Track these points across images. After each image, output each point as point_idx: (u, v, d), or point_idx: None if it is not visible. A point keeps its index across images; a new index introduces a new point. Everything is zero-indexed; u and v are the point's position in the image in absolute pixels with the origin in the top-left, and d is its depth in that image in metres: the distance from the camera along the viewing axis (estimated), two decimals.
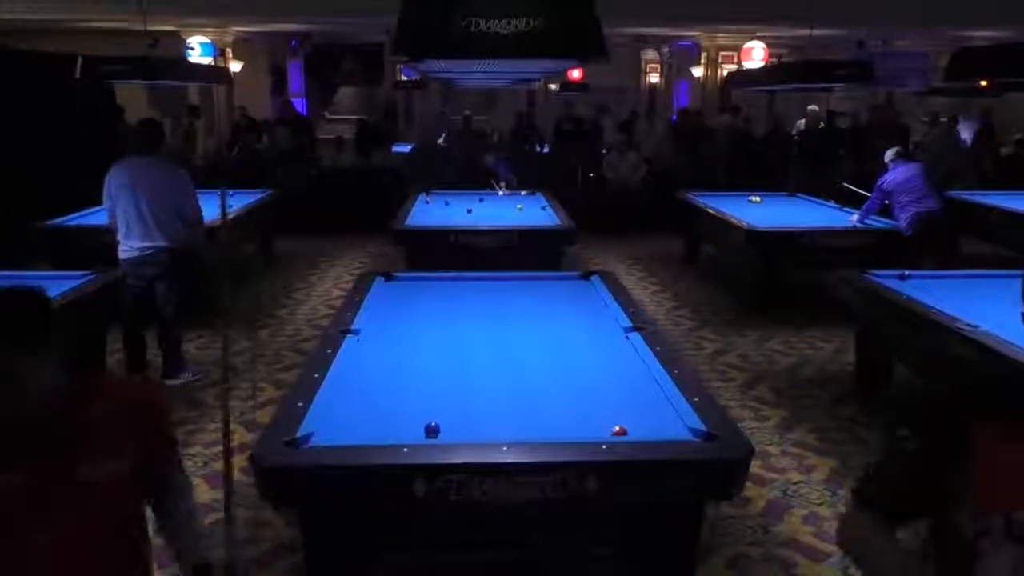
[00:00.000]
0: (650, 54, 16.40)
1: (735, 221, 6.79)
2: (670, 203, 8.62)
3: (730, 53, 11.74)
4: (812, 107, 11.04)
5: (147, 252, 4.96)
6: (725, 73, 11.70)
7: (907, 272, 4.74)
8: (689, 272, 8.28)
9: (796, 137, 11.05)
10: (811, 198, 8.26)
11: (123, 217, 4.97)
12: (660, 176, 10.34)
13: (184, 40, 11.17)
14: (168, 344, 5.20)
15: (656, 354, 3.15)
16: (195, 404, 4.86)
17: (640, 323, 3.59)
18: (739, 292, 7.09)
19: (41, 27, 10.82)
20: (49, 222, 6.36)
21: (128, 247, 5.00)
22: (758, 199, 8.12)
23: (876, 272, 4.75)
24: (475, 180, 8.91)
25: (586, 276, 4.62)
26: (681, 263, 8.59)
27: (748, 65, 11.61)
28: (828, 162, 9.93)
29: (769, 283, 6.63)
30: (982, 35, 11.07)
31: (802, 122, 11.16)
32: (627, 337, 3.44)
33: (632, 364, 3.14)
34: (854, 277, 4.77)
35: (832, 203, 7.81)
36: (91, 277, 4.68)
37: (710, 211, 7.47)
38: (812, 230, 6.58)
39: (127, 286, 4.96)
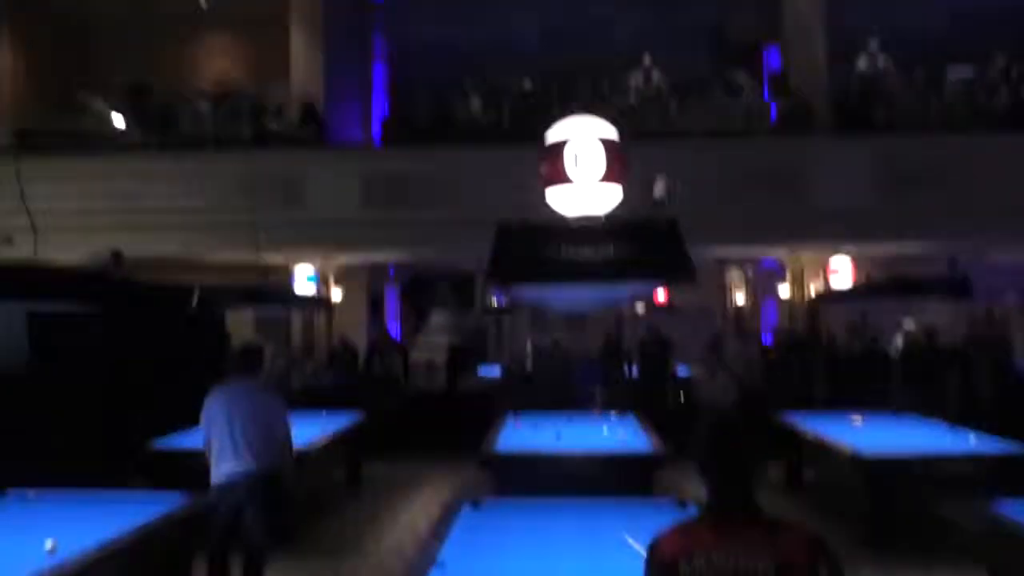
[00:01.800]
0: (734, 274, 16.62)
1: (839, 446, 6.41)
2: (765, 426, 8.29)
3: (815, 270, 11.78)
4: (908, 325, 10.77)
5: (236, 476, 4.93)
6: (812, 291, 11.67)
7: None
8: (791, 499, 7.76)
9: (895, 354, 10.70)
10: (919, 418, 7.80)
11: (217, 442, 5.01)
12: (752, 398, 10.06)
13: (291, 271, 12.01)
14: (254, 573, 5.07)
15: None
16: None
17: None
18: (850, 524, 6.55)
19: (162, 263, 11.86)
20: (155, 443, 6.56)
21: (218, 473, 5.00)
22: (860, 419, 7.73)
23: (1008, 502, 4.31)
24: (564, 403, 8.88)
25: (682, 504, 4.37)
26: (784, 490, 8.09)
27: (834, 281, 11.58)
28: (932, 380, 9.50)
29: (882, 514, 6.11)
30: None
31: (899, 338, 10.84)
32: None
33: None
34: (981, 507, 4.35)
35: (943, 423, 7.35)
36: (185, 499, 4.73)
37: (810, 434, 7.11)
38: (926, 454, 6.11)
39: (216, 511, 4.94)
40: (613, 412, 8.25)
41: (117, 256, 9.61)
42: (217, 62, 15.04)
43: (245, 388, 5.14)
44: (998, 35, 12.44)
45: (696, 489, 7.59)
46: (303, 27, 12.91)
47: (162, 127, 12.36)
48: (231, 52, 15.05)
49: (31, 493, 4.77)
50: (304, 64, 12.90)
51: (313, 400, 9.21)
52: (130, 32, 14.09)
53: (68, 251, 11.06)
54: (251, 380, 5.21)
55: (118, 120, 12.55)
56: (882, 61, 11.70)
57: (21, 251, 10.47)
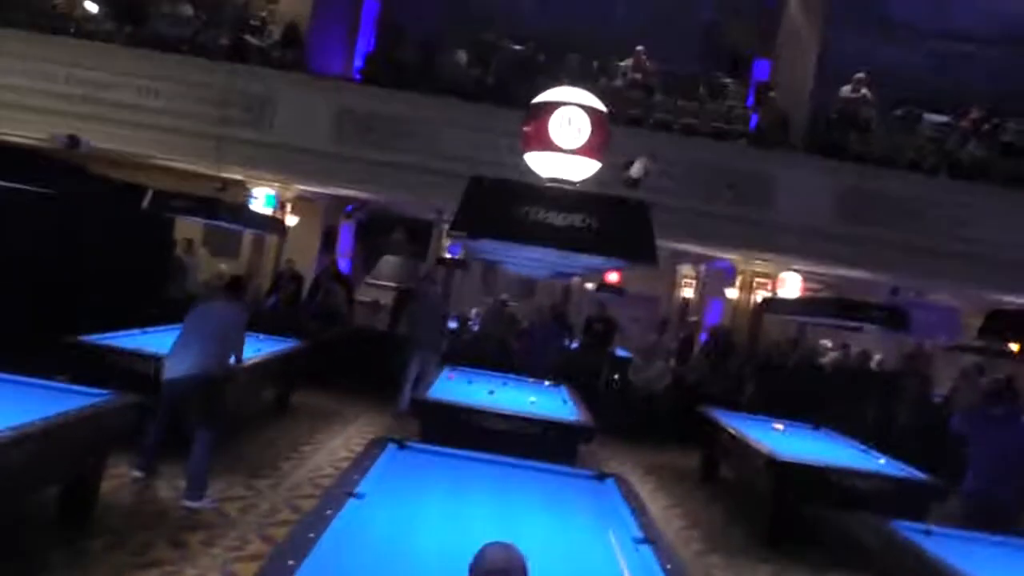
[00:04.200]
0: (686, 269, 16.91)
1: (757, 446, 6.65)
2: (692, 416, 8.53)
3: (764, 280, 12.07)
4: (845, 345, 11.11)
5: (191, 374, 5.37)
6: (759, 298, 11.95)
7: (931, 528, 4.55)
8: (703, 491, 8.03)
9: (827, 370, 11.07)
10: (836, 434, 8.11)
11: (182, 340, 5.53)
12: (685, 387, 10.32)
13: (249, 189, 11.80)
14: (194, 464, 5.32)
15: (666, 571, 2.99)
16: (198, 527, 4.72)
17: (652, 536, 3.44)
18: (754, 521, 6.82)
19: (124, 159, 11.54)
20: (84, 337, 6.44)
21: (169, 368, 5.45)
22: (781, 427, 8.01)
23: (901, 522, 4.56)
24: (502, 365, 8.99)
25: (601, 477, 4.49)
26: (697, 480, 8.36)
27: (782, 293, 11.89)
28: (857, 401, 9.87)
29: (786, 516, 6.37)
30: (1013, 300, 11.30)
31: (835, 355, 11.18)
32: (636, 549, 3.29)
33: None
34: (880, 524, 4.58)
35: (857, 442, 7.65)
36: (110, 396, 4.70)
37: (731, 432, 7.35)
38: (838, 467, 6.37)
39: (162, 398, 5.42)
40: (548, 381, 8.38)
41: (73, 140, 9.31)
42: None
43: (219, 305, 5.81)
44: (978, 89, 12.83)
45: (617, 468, 7.78)
46: None
47: (137, 21, 11.92)
48: None
49: None
50: None
51: (251, 322, 9.13)
52: None
53: (23, 130, 10.69)
54: (228, 301, 5.86)
55: (89, 4, 12.09)
56: (864, 91, 11.93)
57: None
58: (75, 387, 4.81)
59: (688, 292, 17.19)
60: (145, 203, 8.17)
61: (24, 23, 11.32)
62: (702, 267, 16.02)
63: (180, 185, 10.18)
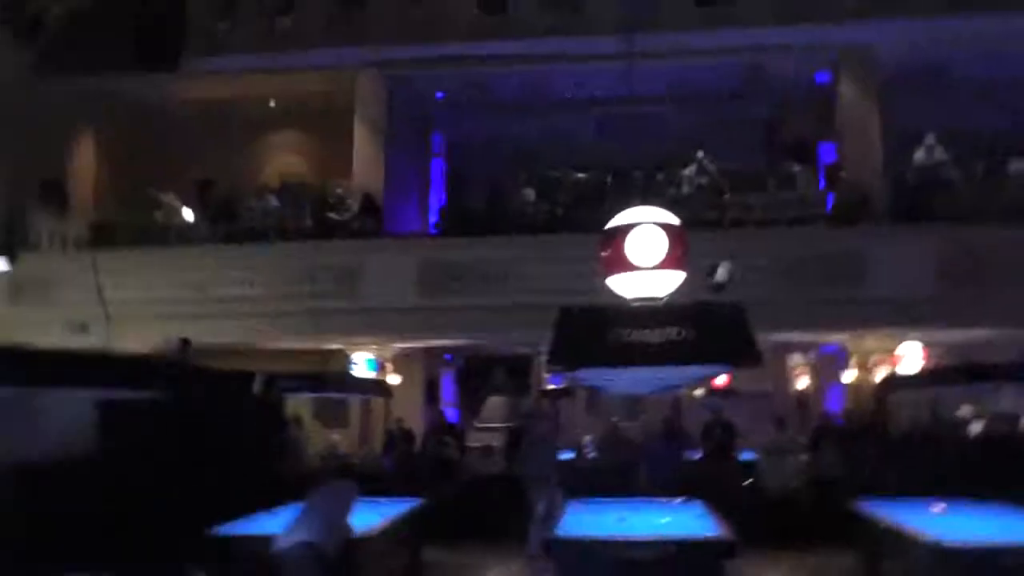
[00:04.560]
0: (796, 358, 16.28)
1: (919, 534, 6.07)
2: (837, 513, 7.96)
3: (883, 356, 11.49)
4: (964, 411, 10.41)
5: (301, 540, 5.48)
6: (880, 376, 11.35)
7: None
8: None
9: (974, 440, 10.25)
10: (1004, 505, 7.35)
11: (296, 518, 5.72)
12: (822, 483, 9.71)
13: (349, 356, 12.19)
14: None
15: None
16: None
17: None
18: None
19: (229, 350, 12.19)
20: (213, 530, 6.58)
21: (283, 538, 5.58)
22: (941, 507, 7.34)
23: None
24: (627, 488, 8.72)
25: None
26: None
27: (902, 366, 11.27)
28: (1013, 467, 9.04)
29: None
30: None
31: (978, 425, 10.39)
32: None
33: None
34: None
35: None
36: None
37: (887, 523, 6.79)
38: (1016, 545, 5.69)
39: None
40: (678, 498, 8.03)
41: (185, 343, 9.91)
42: (283, 157, 15.74)
43: (332, 485, 6.19)
44: None
45: None
46: (366, 124, 13.48)
47: (228, 219, 12.89)
48: (297, 148, 15.76)
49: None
50: (365, 158, 13.42)
51: (371, 486, 9.19)
52: (202, 131, 14.89)
53: (138, 339, 11.45)
54: (339, 481, 6.39)
55: (187, 214, 13.15)
56: (938, 153, 11.65)
57: (95, 339, 10.89)
58: None
59: (803, 382, 16.49)
60: (256, 387, 8.51)
61: (133, 241, 12.39)
62: (811, 354, 15.42)
63: (286, 364, 10.62)
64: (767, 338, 10.71)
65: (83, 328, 10.49)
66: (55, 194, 13.00)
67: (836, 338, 11.86)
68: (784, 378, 16.85)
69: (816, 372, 15.56)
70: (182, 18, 12.87)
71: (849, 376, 11.96)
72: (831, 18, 12.43)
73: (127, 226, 12.89)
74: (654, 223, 3.87)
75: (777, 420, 11.62)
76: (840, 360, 12.73)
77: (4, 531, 4.24)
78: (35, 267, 11.78)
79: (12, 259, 10.88)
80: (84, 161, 14.26)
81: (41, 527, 4.42)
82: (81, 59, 11.85)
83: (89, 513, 6.14)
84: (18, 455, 4.53)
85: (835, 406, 13.30)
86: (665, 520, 6.83)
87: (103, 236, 12.54)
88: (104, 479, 6.67)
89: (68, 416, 6.74)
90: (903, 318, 10.46)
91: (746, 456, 11.49)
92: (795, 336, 11.98)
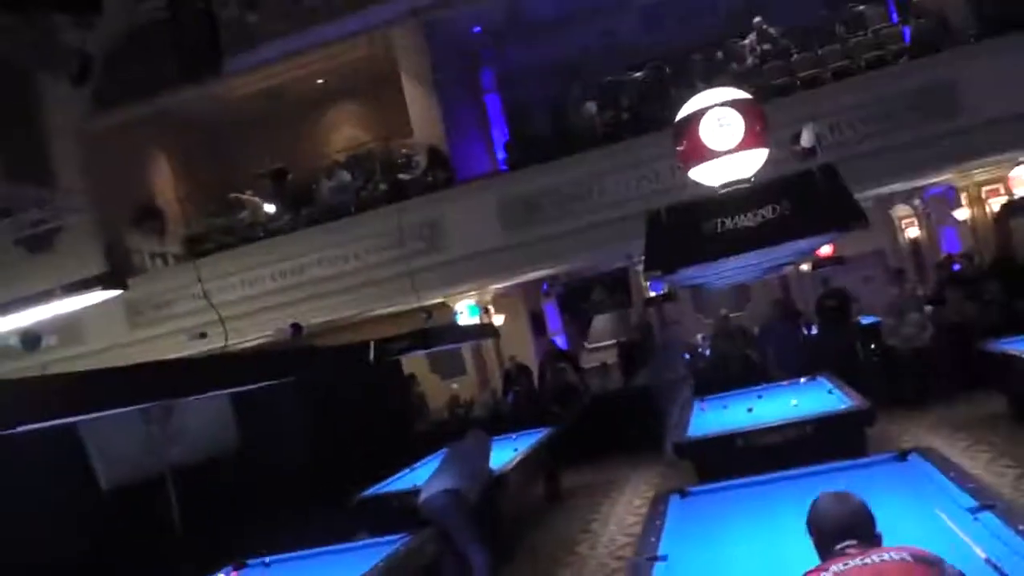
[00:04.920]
0: (901, 209, 15.57)
1: None
2: (974, 359, 7.66)
3: (995, 187, 10.80)
4: None
5: (444, 488, 5.67)
6: (996, 207, 10.70)
7: None
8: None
9: None
10: None
11: (435, 471, 5.94)
12: (952, 330, 9.34)
13: (452, 307, 12.40)
14: None
15: (1022, 534, 2.65)
16: None
17: (986, 500, 3.07)
18: None
19: (338, 325, 12.61)
20: (364, 493, 6.93)
21: (427, 489, 5.78)
22: None
23: None
24: (746, 378, 8.63)
25: (902, 456, 4.11)
26: (1013, 421, 7.43)
27: (1020, 191, 10.58)
28: None
29: None
30: None
31: None
32: (975, 519, 2.94)
33: (994, 549, 2.64)
34: None
35: None
36: (406, 538, 4.97)
37: None
38: None
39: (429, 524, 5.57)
40: (803, 378, 7.90)
41: (297, 328, 10.30)
42: (344, 130, 15.92)
43: (462, 442, 6.34)
44: None
45: (916, 439, 7.13)
46: (414, 79, 13.38)
47: (306, 203, 13.19)
48: (355, 118, 15.89)
49: (267, 559, 5.14)
50: (421, 112, 13.36)
51: (499, 425, 9.43)
52: (260, 124, 15.18)
53: (252, 333, 11.98)
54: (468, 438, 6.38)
55: (268, 207, 13.52)
56: None
57: (214, 343, 11.44)
58: (373, 540, 5.15)
59: (912, 231, 15.79)
60: (370, 356, 8.77)
61: (226, 245, 12.89)
62: (916, 201, 14.70)
63: (394, 328, 10.90)
64: (867, 194, 10.27)
65: (202, 335, 11.02)
66: (149, 217, 13.58)
67: (941, 178, 11.22)
68: (893, 231, 16.18)
69: (926, 218, 14.87)
70: (213, 21, 12.97)
71: (963, 214, 11.33)
72: None
73: (216, 231, 13.39)
74: (724, 103, 3.70)
75: (894, 273, 11.19)
76: (950, 200, 12.08)
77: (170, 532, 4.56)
78: (145, 289, 12.42)
79: (123, 286, 11.49)
80: (163, 180, 14.80)
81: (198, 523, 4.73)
82: (132, 86, 12.20)
83: (246, 501, 6.56)
84: (172, 459, 4.83)
85: (952, 248, 12.69)
86: (795, 402, 6.73)
87: (197, 246, 13.08)
88: (250, 468, 7.10)
89: (211, 417, 7.16)
90: (1011, 139, 9.74)
91: (867, 320, 11.16)
92: (897, 185, 11.39)
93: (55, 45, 10.82)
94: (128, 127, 13.41)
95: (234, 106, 14.79)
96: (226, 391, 5.30)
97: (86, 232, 12.86)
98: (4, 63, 11.35)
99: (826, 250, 12.69)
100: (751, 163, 3.75)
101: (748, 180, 3.66)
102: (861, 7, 12.21)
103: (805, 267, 14.76)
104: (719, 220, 3.15)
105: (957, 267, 10.78)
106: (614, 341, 14.81)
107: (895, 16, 12.08)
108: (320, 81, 14.94)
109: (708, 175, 3.80)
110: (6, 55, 10.94)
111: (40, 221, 12.40)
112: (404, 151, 13.26)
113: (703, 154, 3.67)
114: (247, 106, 14.85)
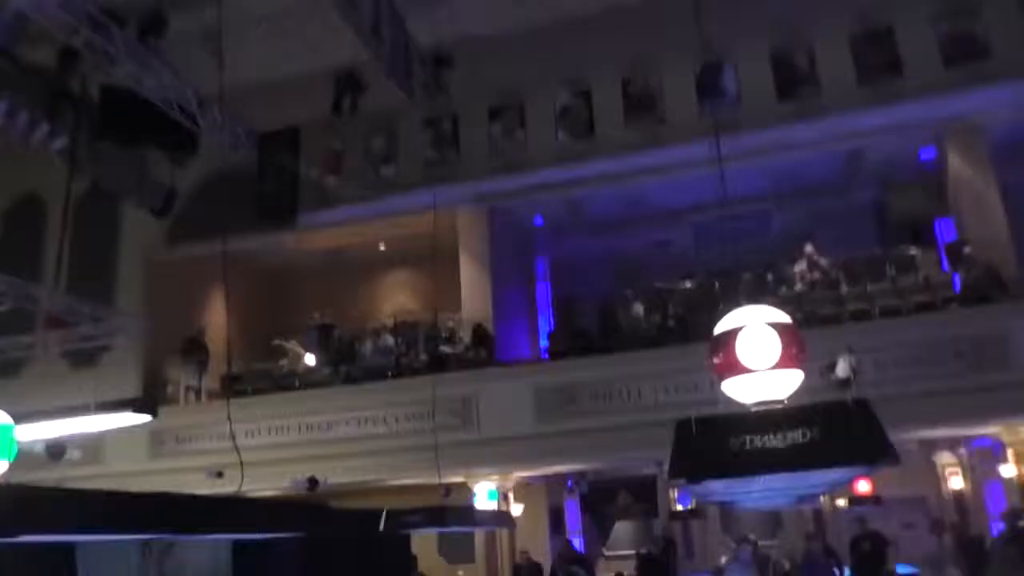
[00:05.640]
0: (945, 456, 15.04)
1: None
2: None
3: None
4: None
5: None
6: None
7: None
8: None
9: None
10: None
11: None
12: None
13: (471, 488, 12.10)
14: None
15: None
16: None
17: None
18: None
19: (351, 488, 12.34)
20: None
21: None
22: None
23: None
24: None
25: None
26: None
27: None
28: None
29: None
30: None
31: None
32: None
33: None
34: None
35: None
36: None
37: None
38: None
39: None
40: None
41: (313, 482, 10.15)
42: (396, 296, 16.40)
43: None
44: None
45: None
46: (471, 258, 13.90)
47: (348, 361, 13.38)
48: (408, 286, 16.41)
49: None
50: (473, 289, 13.75)
51: None
52: (319, 278, 15.77)
53: (268, 482, 11.79)
54: None
55: (309, 358, 13.73)
56: None
57: (229, 485, 11.28)
58: None
59: (956, 481, 15.15)
60: (381, 524, 8.52)
61: (261, 389, 13.01)
62: (962, 451, 14.23)
63: (409, 500, 10.63)
64: (907, 436, 10.02)
65: (219, 475, 10.90)
66: (194, 350, 13.89)
67: (988, 430, 10.92)
68: (935, 479, 15.56)
69: (971, 470, 14.34)
70: (296, 177, 13.86)
71: (1009, 471, 10.90)
72: (927, 93, 11.85)
73: (254, 374, 13.57)
74: (763, 322, 3.76)
75: (933, 524, 10.68)
76: (996, 453, 11.67)
77: None
78: (172, 420, 12.48)
79: (154, 413, 11.56)
80: (215, 316, 15.25)
81: None
82: (207, 223, 12.91)
83: None
84: None
85: (997, 506, 12.10)
86: None
87: (233, 386, 13.22)
88: None
89: (209, 561, 6.93)
90: None
91: (904, 571, 10.53)
92: (939, 431, 11.11)
93: (146, 177, 11.69)
94: (194, 262, 14.02)
95: (297, 257, 15.47)
96: (233, 536, 5.18)
97: (130, 354, 13.17)
98: (94, 185, 12.20)
99: (864, 487, 12.24)
100: (785, 384, 3.74)
101: (781, 401, 3.65)
102: (912, 249, 12.50)
103: (841, 502, 14.18)
104: (747, 437, 3.12)
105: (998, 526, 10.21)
106: (634, 552, 14.16)
107: (945, 262, 12.30)
108: (382, 247, 15.63)
109: (741, 391, 3.80)
110: (99, 178, 11.76)
111: (90, 337, 12.76)
112: (450, 324, 13.52)
113: (737, 369, 3.69)
114: (309, 260, 15.52)
